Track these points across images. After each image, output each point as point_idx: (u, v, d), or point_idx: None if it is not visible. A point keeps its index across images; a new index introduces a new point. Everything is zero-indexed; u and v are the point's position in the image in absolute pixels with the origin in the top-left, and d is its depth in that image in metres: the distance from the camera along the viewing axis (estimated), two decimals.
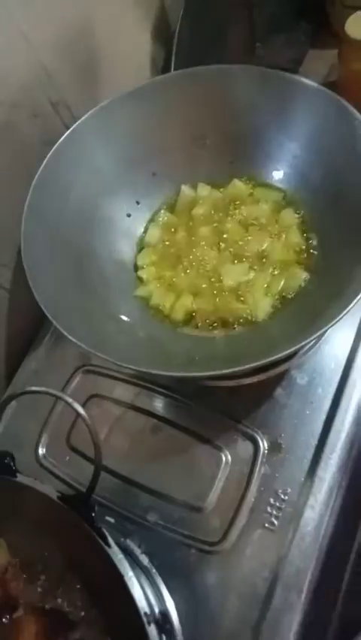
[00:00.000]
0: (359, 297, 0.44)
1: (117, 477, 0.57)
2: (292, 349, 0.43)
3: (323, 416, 0.55)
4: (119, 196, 0.62)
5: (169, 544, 0.53)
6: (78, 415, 0.45)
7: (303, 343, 0.44)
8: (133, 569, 0.46)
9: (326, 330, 0.44)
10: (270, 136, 0.60)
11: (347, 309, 0.43)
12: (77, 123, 0.58)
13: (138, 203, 0.63)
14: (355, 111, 0.53)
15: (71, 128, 0.58)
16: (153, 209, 0.64)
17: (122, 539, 0.54)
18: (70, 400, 0.45)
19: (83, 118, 0.58)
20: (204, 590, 0.51)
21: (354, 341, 0.58)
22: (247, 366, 0.42)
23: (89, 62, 0.65)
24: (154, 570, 0.52)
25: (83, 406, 0.60)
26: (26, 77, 0.58)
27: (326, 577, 0.51)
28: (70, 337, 0.47)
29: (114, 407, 0.61)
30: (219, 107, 0.60)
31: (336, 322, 0.43)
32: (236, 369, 0.42)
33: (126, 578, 0.44)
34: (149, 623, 0.43)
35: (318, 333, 0.44)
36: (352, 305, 0.43)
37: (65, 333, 0.48)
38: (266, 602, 0.49)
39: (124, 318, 0.57)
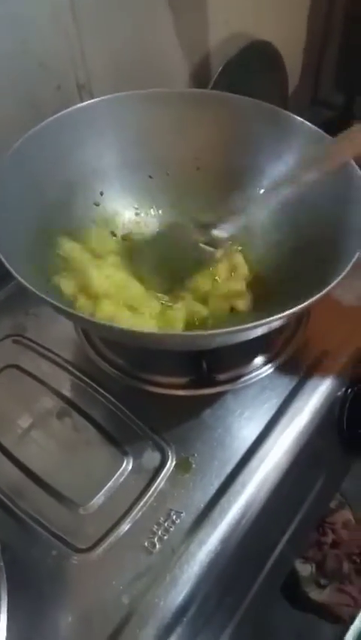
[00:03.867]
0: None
1: (2, 450, 0.50)
2: None
3: (243, 448, 0.50)
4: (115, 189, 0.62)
5: (31, 539, 0.45)
6: None
7: None
8: None
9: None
10: (265, 174, 0.61)
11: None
12: (93, 100, 0.59)
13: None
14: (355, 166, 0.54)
15: (86, 102, 0.59)
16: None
17: None
18: None
19: (100, 98, 0.59)
20: (50, 604, 0.43)
21: (293, 389, 0.54)
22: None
23: (124, 66, 0.68)
24: (2, 563, 0.44)
25: None
26: (63, 53, 0.61)
27: (195, 626, 0.42)
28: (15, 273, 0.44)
29: (29, 382, 0.55)
30: (225, 135, 0.62)
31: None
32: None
33: None
34: None
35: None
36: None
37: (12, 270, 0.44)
38: (114, 635, 0.41)
39: None
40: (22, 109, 0.59)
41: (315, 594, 0.63)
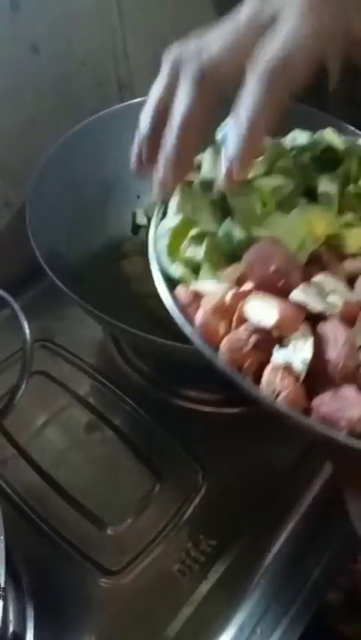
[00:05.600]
0: None
1: (29, 462, 0.48)
2: None
3: (282, 472, 0.48)
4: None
5: (59, 558, 0.43)
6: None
7: None
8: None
9: None
10: None
11: None
12: (133, 100, 0.57)
13: None
14: None
15: (127, 103, 0.56)
16: None
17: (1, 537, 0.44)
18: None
19: (141, 98, 0.57)
20: (76, 624, 0.41)
21: None
22: None
23: None
24: (28, 580, 0.42)
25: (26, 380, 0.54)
26: (105, 50, 0.59)
27: None
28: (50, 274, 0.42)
29: (57, 390, 0.53)
30: None
31: None
32: None
33: None
34: None
35: None
36: None
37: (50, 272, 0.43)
38: None
39: None
40: (63, 108, 0.57)
41: (345, 626, 0.60)
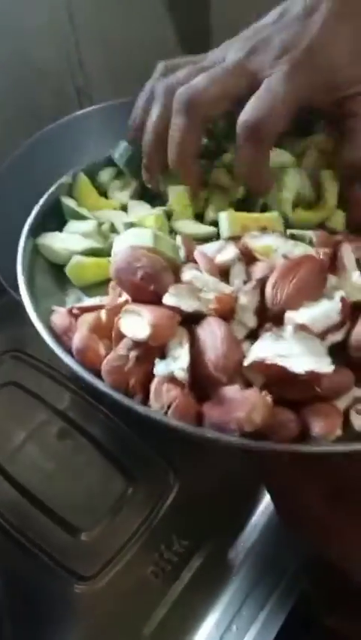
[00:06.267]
0: None
1: (1, 472, 0.48)
2: None
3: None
4: None
5: (33, 566, 0.44)
6: None
7: None
8: None
9: None
10: None
11: None
12: (91, 108, 0.57)
13: None
14: None
15: (84, 110, 0.57)
16: None
17: None
18: None
19: (98, 105, 0.57)
20: (54, 634, 0.41)
21: None
22: None
23: (123, 70, 0.66)
24: (2, 590, 0.43)
25: None
26: (61, 59, 0.60)
27: None
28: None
29: (29, 400, 0.53)
30: None
31: None
32: None
33: None
34: None
35: None
36: None
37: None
38: None
39: None
40: (21, 116, 0.58)
41: (327, 618, 0.61)
